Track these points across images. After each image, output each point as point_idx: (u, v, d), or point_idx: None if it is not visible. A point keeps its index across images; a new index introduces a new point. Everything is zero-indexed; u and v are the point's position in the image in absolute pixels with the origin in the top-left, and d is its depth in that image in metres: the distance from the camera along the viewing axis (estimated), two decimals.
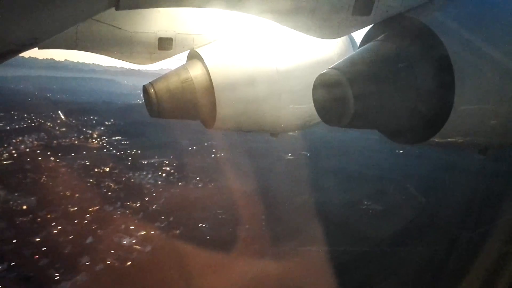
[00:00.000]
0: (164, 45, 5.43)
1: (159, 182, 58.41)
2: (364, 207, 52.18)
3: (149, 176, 60.51)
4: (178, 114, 5.43)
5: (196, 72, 5.26)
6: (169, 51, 5.49)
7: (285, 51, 5.30)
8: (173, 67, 5.52)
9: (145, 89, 5.22)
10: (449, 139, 3.90)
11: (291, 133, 6.38)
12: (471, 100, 3.67)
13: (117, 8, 3.35)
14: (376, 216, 50.66)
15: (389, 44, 3.86)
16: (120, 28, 5.20)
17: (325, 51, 5.30)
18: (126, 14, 5.07)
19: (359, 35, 4.49)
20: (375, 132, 4.24)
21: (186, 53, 5.65)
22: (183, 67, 5.36)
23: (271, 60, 5.22)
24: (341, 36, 4.33)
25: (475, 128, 3.87)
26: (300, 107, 5.28)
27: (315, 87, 3.84)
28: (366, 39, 4.25)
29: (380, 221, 48.97)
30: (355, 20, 3.91)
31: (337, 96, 3.64)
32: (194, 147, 69.90)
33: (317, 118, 4.16)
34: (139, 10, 5.03)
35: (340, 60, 3.94)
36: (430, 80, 3.71)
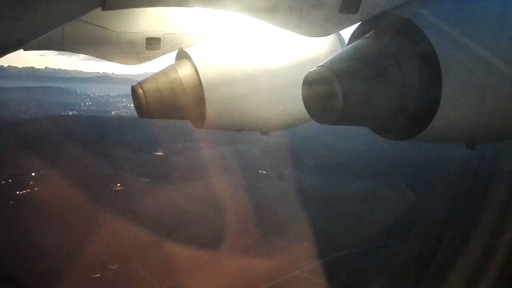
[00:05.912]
0: (152, 45, 5.40)
1: None
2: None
3: None
4: (167, 114, 5.40)
5: (185, 71, 5.23)
6: (157, 51, 5.45)
7: (274, 50, 5.30)
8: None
9: (133, 90, 5.17)
10: (438, 134, 3.94)
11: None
12: (458, 96, 3.72)
13: (104, 9, 3.33)
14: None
15: (377, 42, 3.89)
16: (107, 29, 5.15)
17: (314, 49, 5.32)
18: (113, 14, 5.02)
19: (347, 32, 4.53)
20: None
21: (174, 53, 5.63)
22: (172, 67, 5.34)
23: (260, 58, 5.22)
24: (329, 34, 4.35)
25: (462, 123, 3.93)
26: (289, 105, 5.29)
27: (304, 85, 3.86)
28: (354, 36, 4.27)
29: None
30: (343, 18, 3.93)
31: (326, 94, 3.66)
32: None
33: (307, 116, 4.17)
34: (126, 10, 4.98)
35: (329, 58, 3.96)
36: (417, 76, 3.76)
